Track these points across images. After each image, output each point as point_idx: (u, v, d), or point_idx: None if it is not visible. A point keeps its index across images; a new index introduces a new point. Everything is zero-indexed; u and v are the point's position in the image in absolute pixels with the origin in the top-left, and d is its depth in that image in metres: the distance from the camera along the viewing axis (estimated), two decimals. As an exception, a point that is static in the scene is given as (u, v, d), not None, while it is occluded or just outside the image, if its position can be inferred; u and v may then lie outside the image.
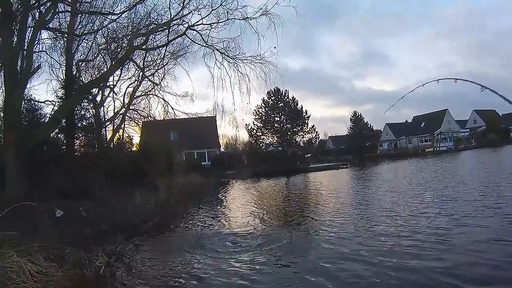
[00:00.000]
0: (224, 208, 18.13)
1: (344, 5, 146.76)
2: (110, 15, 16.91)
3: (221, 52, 18.20)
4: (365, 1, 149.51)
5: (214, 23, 17.42)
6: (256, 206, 17.44)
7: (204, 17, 17.27)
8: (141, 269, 7.83)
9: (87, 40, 18.96)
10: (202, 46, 18.15)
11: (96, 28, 17.97)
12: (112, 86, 23.66)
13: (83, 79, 20.35)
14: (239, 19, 17.38)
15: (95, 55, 20.13)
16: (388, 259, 6.93)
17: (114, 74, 22.34)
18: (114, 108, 25.37)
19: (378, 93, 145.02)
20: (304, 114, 56.66)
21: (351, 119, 75.47)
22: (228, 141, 64.57)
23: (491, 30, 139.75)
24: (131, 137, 28.50)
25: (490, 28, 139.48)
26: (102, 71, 19.86)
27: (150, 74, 23.38)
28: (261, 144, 55.91)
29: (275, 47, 18.52)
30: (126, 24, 17.61)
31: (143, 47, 17.80)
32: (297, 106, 56.67)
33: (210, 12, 17.05)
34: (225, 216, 15.29)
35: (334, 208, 14.06)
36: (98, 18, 17.47)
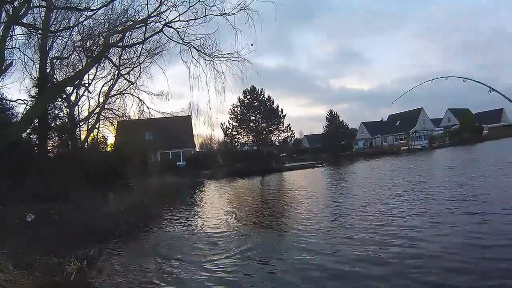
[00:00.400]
0: (199, 209, 18.24)
1: (322, 4, 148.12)
2: (87, 11, 16.42)
3: (197, 50, 17.95)
4: (344, 1, 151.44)
5: (191, 19, 17.15)
6: (230, 206, 17.52)
7: (181, 14, 17.01)
8: (114, 274, 7.72)
9: (62, 36, 18.63)
10: (179, 43, 17.88)
11: (71, 24, 17.64)
12: (87, 85, 23.33)
13: (58, 77, 20.02)
14: (216, 15, 17.18)
15: (70, 53, 19.79)
16: (361, 258, 7.22)
17: (89, 73, 22.06)
18: (89, 107, 25.03)
19: (354, 92, 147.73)
20: (280, 113, 57.02)
21: (327, 118, 76.00)
22: (203, 141, 64.24)
23: (469, 32, 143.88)
24: (106, 137, 28.14)
25: (467, 30, 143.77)
26: (77, 69, 19.55)
27: (126, 72, 23.11)
28: (236, 144, 55.93)
29: (252, 44, 18.21)
30: (103, 20, 17.40)
31: (119, 44, 17.50)
32: (273, 105, 56.94)
33: (188, 9, 16.78)
34: (200, 217, 15.39)
35: (307, 208, 14.26)
36: (74, 14, 17.18)
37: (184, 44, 17.78)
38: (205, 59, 18.26)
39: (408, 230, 8.93)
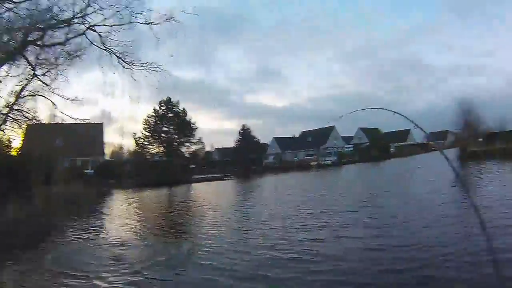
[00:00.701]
0: (102, 220, 18.05)
1: (245, 21, 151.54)
2: (7, 3, 15.57)
3: (118, 57, 17.94)
4: (267, 19, 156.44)
5: (116, 25, 17.20)
6: (134, 218, 17.89)
7: (107, 18, 16.99)
8: None
9: None
10: (100, 48, 17.74)
11: None
12: None
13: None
14: (141, 23, 17.49)
15: None
16: (263, 271, 7.53)
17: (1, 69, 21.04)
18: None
19: (269, 108, 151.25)
20: (192, 125, 57.84)
21: (239, 132, 77.02)
22: (113, 149, 62.70)
23: (383, 59, 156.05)
24: (11, 140, 26.86)
25: (382, 57, 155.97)
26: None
27: (41, 73, 22.16)
28: (146, 154, 55.62)
29: (172, 55, 18.75)
30: (24, 15, 16.10)
31: (38, 42, 16.75)
32: (186, 117, 57.62)
33: (115, 14, 16.84)
34: (102, 229, 15.17)
35: (212, 220, 14.91)
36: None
37: (105, 50, 17.74)
38: (124, 67, 18.32)
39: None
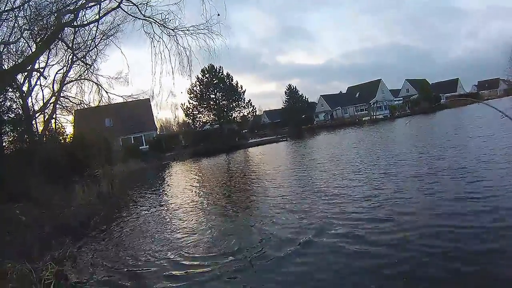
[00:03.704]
0: (168, 193, 17.52)
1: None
2: None
3: (160, 24, 16.66)
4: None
5: None
6: (199, 189, 16.99)
7: None
8: (96, 271, 7.15)
9: (7, 19, 16.83)
10: (139, 19, 16.48)
11: (18, 4, 15.46)
12: (40, 72, 21.59)
13: (5, 65, 18.39)
14: None
15: (18, 37, 17.98)
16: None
17: (41, 59, 20.34)
18: (43, 97, 23.44)
19: (304, 67, 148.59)
20: (240, 89, 56.25)
21: (286, 92, 75.29)
22: (163, 123, 62.97)
23: (412, 7, 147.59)
24: (64, 127, 26.67)
25: (410, 4, 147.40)
26: (27, 55, 17.91)
27: (81, 56, 21.45)
28: (198, 123, 55.03)
29: (218, 14, 17.23)
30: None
31: (73, 23, 15.68)
32: (232, 82, 56.09)
33: None
34: (170, 202, 14.45)
35: (281, 188, 13.15)
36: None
37: (145, 19, 16.46)
38: (169, 34, 17.03)
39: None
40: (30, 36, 17.56)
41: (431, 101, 71.61)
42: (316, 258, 6.15)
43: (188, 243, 8.14)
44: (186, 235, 8.83)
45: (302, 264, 6.03)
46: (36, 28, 16.63)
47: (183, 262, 6.96)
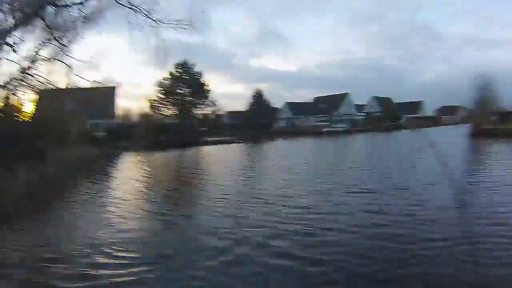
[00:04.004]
0: (113, 181, 18.70)
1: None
2: None
3: (144, 14, 16.67)
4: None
5: None
6: (144, 179, 18.20)
7: None
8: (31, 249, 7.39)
9: None
10: (125, 6, 16.46)
11: None
12: (11, 46, 21.89)
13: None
14: None
15: None
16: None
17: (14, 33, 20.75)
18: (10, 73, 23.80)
19: (275, 72, 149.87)
20: (206, 87, 58.19)
21: (253, 96, 77.19)
22: (125, 113, 63.01)
23: (392, 25, 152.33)
24: (24, 105, 26.97)
25: (391, 21, 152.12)
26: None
27: (58, 36, 21.64)
28: (158, 116, 55.94)
29: (203, 12, 17.96)
30: None
31: (56, 2, 15.88)
32: (201, 79, 57.74)
33: None
34: (114, 189, 15.58)
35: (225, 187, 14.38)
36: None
37: (130, 8, 16.55)
38: (151, 25, 17.19)
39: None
40: (9, 10, 17.85)
41: (392, 120, 75.89)
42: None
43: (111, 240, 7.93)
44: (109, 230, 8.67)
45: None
46: (16, 3, 16.59)
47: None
